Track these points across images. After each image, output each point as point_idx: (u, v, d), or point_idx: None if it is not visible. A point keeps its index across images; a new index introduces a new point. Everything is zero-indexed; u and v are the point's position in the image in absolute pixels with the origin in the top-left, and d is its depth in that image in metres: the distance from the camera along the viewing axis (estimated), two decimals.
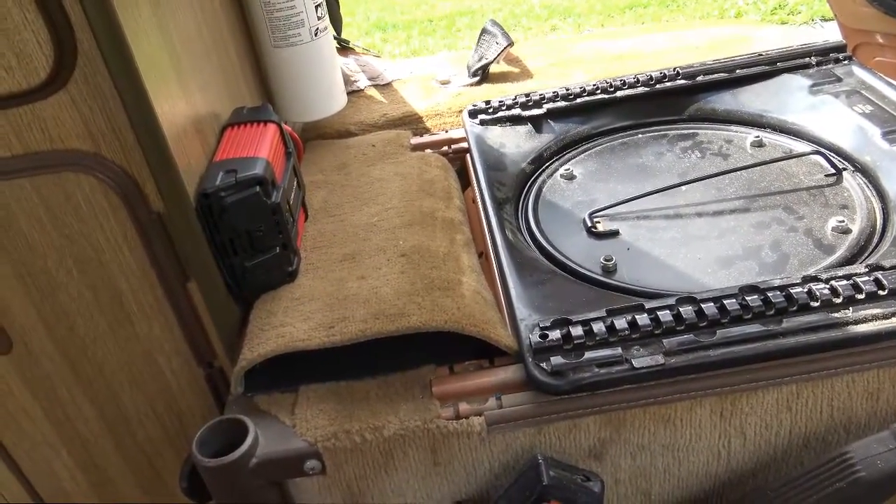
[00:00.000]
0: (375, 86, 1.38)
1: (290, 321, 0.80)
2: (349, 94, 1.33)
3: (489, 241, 0.93)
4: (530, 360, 0.73)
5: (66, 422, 0.91)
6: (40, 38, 0.66)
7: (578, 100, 1.17)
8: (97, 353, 0.85)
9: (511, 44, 1.35)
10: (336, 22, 1.45)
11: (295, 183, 0.94)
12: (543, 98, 1.18)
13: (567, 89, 1.18)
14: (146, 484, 0.98)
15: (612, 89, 1.17)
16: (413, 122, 1.26)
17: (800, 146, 1.03)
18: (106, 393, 0.89)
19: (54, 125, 0.71)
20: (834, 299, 0.73)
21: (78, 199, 0.75)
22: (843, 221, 0.87)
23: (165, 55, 0.77)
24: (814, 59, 1.15)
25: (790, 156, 1.01)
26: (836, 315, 0.72)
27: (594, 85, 1.19)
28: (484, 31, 1.39)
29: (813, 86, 1.10)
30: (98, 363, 0.86)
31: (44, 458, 0.94)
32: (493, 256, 0.91)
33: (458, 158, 1.19)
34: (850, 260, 0.83)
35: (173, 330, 0.84)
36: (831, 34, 1.49)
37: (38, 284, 0.80)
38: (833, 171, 0.97)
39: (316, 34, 1.11)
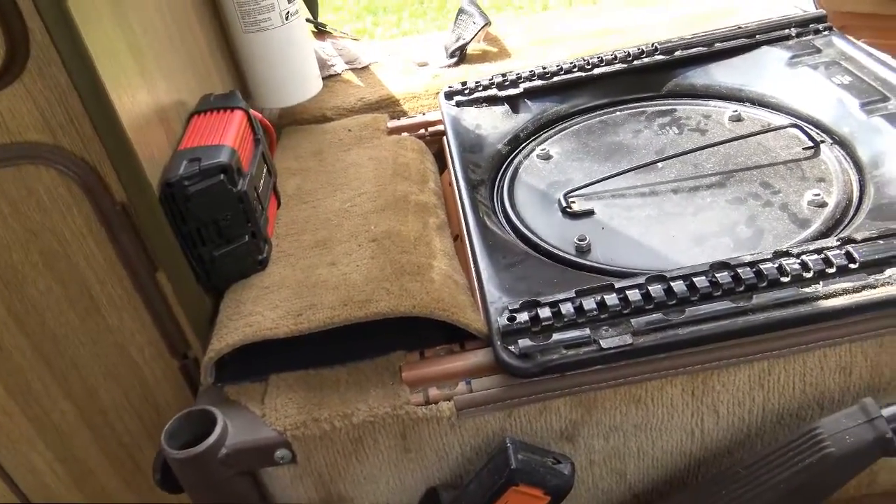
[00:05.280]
0: (352, 69, 1.37)
1: (259, 310, 0.80)
2: (326, 78, 1.32)
3: (463, 224, 0.92)
4: (499, 343, 0.72)
5: (42, 416, 0.91)
6: None
7: (555, 78, 1.15)
8: (69, 347, 0.85)
9: (488, 23, 1.33)
10: (312, 6, 1.44)
11: (265, 170, 0.93)
12: (520, 78, 1.16)
13: (544, 68, 1.17)
14: (127, 475, 0.98)
15: (589, 67, 1.16)
16: (390, 106, 1.25)
17: (778, 119, 1.02)
18: (81, 386, 0.88)
19: (11, 117, 0.70)
20: (804, 274, 0.72)
21: (40, 193, 0.74)
22: (820, 195, 0.86)
23: (124, 45, 0.76)
24: (793, 31, 1.13)
25: (767, 129, 0.99)
26: (806, 290, 0.71)
27: (571, 63, 1.17)
28: (461, 11, 1.37)
29: (792, 58, 1.08)
30: (71, 356, 0.86)
31: (22, 453, 0.94)
32: (465, 239, 0.90)
33: (435, 141, 1.17)
34: (825, 234, 0.82)
35: (144, 321, 0.84)
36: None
37: (4, 279, 0.79)
38: (811, 143, 0.95)
39: (287, 18, 1.09)
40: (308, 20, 1.44)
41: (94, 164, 0.74)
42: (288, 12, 1.10)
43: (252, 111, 0.93)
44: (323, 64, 1.34)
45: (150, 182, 0.76)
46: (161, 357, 0.87)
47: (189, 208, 0.78)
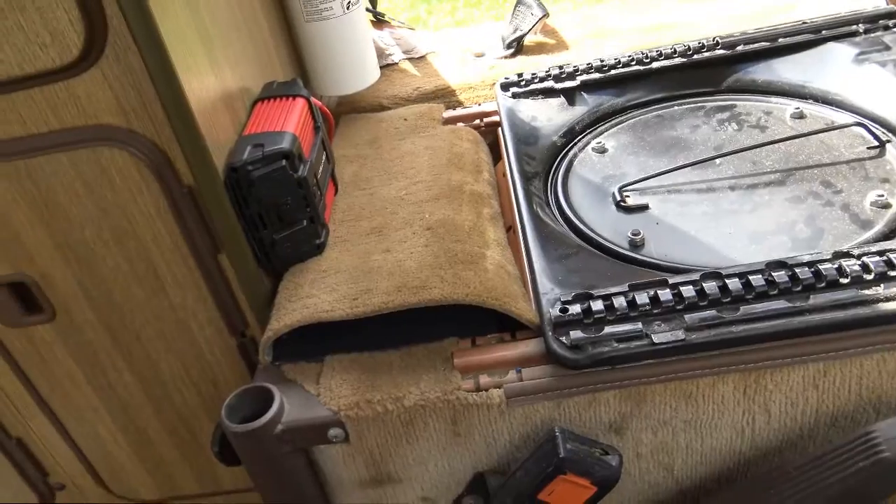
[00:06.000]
0: (410, 59, 1.38)
1: (316, 293, 0.82)
2: (383, 67, 1.34)
3: (516, 215, 0.93)
4: (550, 333, 0.73)
5: (107, 387, 0.95)
6: (72, 15, 0.68)
7: (613, 71, 1.15)
8: (134, 322, 0.89)
9: (546, 15, 1.33)
10: None
11: (324, 157, 0.95)
12: (577, 70, 1.16)
13: (601, 61, 1.16)
14: (184, 447, 1.02)
15: (647, 60, 1.15)
16: (446, 96, 1.26)
17: (842, 117, 0.99)
18: (144, 360, 0.92)
19: (88, 101, 0.73)
20: (865, 276, 0.71)
21: (112, 173, 0.78)
22: (883, 196, 0.84)
23: (194, 32, 0.78)
24: (861, 27, 1.10)
25: (831, 127, 0.97)
26: (866, 292, 0.70)
27: (629, 56, 1.16)
28: (519, 3, 1.37)
29: (859, 54, 1.05)
30: (135, 331, 0.90)
31: (88, 422, 0.99)
32: (519, 230, 0.90)
33: (490, 132, 1.18)
34: (888, 235, 0.80)
35: (206, 300, 0.87)
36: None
37: (77, 255, 0.83)
38: (876, 143, 0.93)
39: (348, 7, 1.11)
40: (367, 9, 1.45)
41: (164, 147, 0.77)
42: (349, 2, 1.11)
43: (313, 99, 0.96)
44: (380, 53, 1.35)
45: (216, 166, 0.79)
46: (220, 335, 0.90)
47: (252, 192, 0.81)
